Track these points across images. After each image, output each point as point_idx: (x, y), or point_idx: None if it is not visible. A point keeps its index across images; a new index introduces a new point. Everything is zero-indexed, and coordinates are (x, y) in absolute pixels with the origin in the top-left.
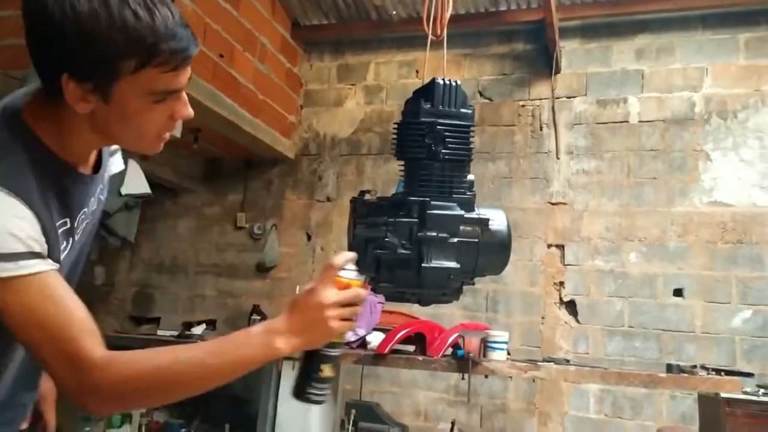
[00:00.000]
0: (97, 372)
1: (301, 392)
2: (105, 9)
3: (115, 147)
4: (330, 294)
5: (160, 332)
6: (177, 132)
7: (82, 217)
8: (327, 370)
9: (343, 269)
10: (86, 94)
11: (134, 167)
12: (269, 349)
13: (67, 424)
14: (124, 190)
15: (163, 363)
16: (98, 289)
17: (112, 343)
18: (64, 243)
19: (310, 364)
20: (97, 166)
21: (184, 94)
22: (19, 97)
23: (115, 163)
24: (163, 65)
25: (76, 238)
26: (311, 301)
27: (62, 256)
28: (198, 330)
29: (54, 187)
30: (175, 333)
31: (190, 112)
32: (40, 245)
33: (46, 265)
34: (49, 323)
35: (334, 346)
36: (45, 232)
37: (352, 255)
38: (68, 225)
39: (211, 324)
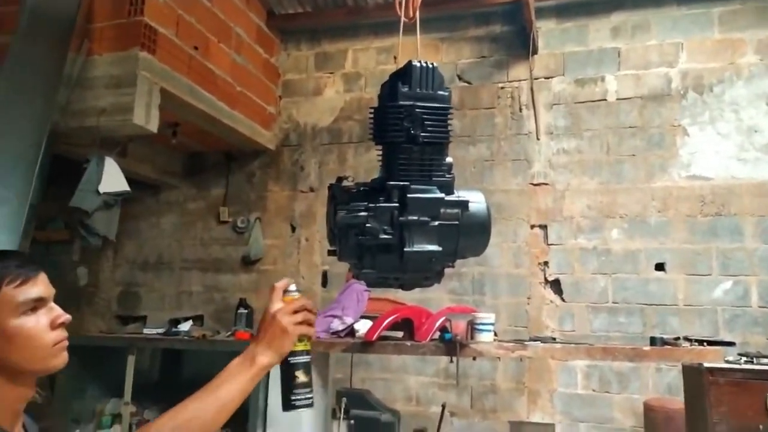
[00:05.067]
0: None
1: (286, 402)
2: None
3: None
4: (278, 306)
5: (146, 330)
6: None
7: None
8: (301, 376)
9: (286, 291)
10: None
11: (112, 165)
12: (254, 368)
13: (58, 425)
14: (102, 188)
15: (186, 415)
16: (82, 290)
17: (98, 344)
18: None
19: (285, 374)
20: None
21: (53, 304)
22: None
23: None
24: (14, 281)
25: None
26: (267, 318)
27: None
28: (185, 326)
29: None
30: (161, 330)
31: (66, 316)
32: None
33: None
34: None
35: (301, 353)
36: None
37: (290, 279)
38: None
39: (198, 320)
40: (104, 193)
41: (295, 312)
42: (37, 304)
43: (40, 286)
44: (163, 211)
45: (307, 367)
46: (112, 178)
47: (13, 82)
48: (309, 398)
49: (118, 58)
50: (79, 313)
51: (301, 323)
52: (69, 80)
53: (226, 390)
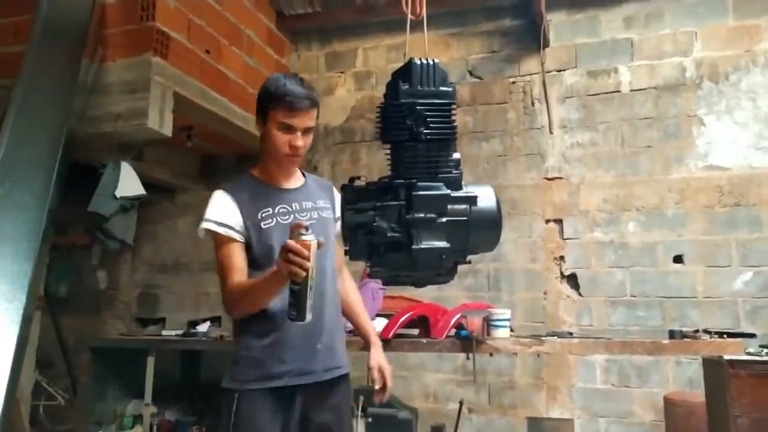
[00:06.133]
0: (227, 291)
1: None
2: (272, 85)
3: (328, 183)
4: (284, 244)
5: (164, 332)
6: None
7: (282, 209)
8: (290, 298)
9: (299, 232)
10: (259, 121)
11: (128, 169)
12: (273, 275)
13: (80, 427)
14: (119, 193)
15: (242, 287)
16: (103, 293)
17: (119, 346)
18: (269, 220)
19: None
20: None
21: (298, 133)
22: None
23: (337, 197)
24: (281, 107)
25: (281, 219)
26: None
27: (266, 226)
28: (203, 327)
29: (259, 194)
30: (180, 332)
31: (299, 143)
32: (236, 224)
33: (236, 236)
34: (222, 264)
35: (293, 283)
36: (244, 216)
37: (304, 223)
38: (270, 211)
39: (216, 321)
40: (121, 197)
41: (288, 252)
42: (289, 129)
43: (296, 119)
44: (180, 214)
45: (293, 294)
46: (129, 183)
47: (30, 90)
48: (293, 315)
49: (132, 63)
50: (100, 316)
51: (289, 262)
52: (84, 87)
53: (263, 286)
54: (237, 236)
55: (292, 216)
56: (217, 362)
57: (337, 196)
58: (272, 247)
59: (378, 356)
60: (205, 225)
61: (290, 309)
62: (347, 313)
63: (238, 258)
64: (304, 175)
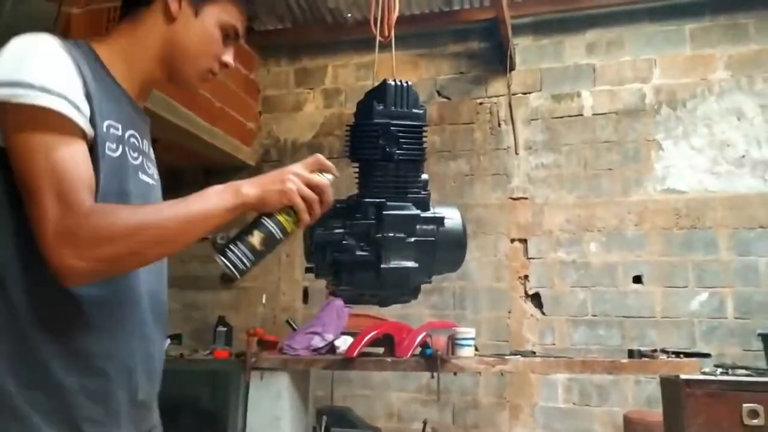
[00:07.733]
0: (82, 216)
1: (222, 247)
2: None
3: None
4: (301, 168)
5: None
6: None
7: (133, 140)
8: (256, 239)
9: (321, 171)
10: (183, 5)
11: None
12: (233, 193)
13: None
14: None
15: (140, 212)
16: None
17: None
18: (115, 144)
19: (246, 226)
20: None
21: (231, 48)
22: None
23: None
24: (233, 2)
25: (130, 153)
26: (284, 167)
27: (108, 153)
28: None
29: (106, 93)
30: None
31: (232, 62)
32: (79, 101)
33: (79, 118)
34: (59, 167)
35: (276, 222)
36: (90, 102)
37: (332, 167)
38: (119, 131)
39: (176, 338)
40: None
41: (311, 186)
42: (231, 32)
43: (243, 21)
44: None
45: (269, 238)
46: None
47: None
48: (243, 262)
49: None
50: None
51: (305, 199)
52: None
53: (195, 207)
54: (86, 128)
55: (141, 158)
56: (176, 381)
57: None
58: (125, 190)
59: None
60: (32, 97)
61: (241, 248)
62: None
63: (88, 166)
64: None
